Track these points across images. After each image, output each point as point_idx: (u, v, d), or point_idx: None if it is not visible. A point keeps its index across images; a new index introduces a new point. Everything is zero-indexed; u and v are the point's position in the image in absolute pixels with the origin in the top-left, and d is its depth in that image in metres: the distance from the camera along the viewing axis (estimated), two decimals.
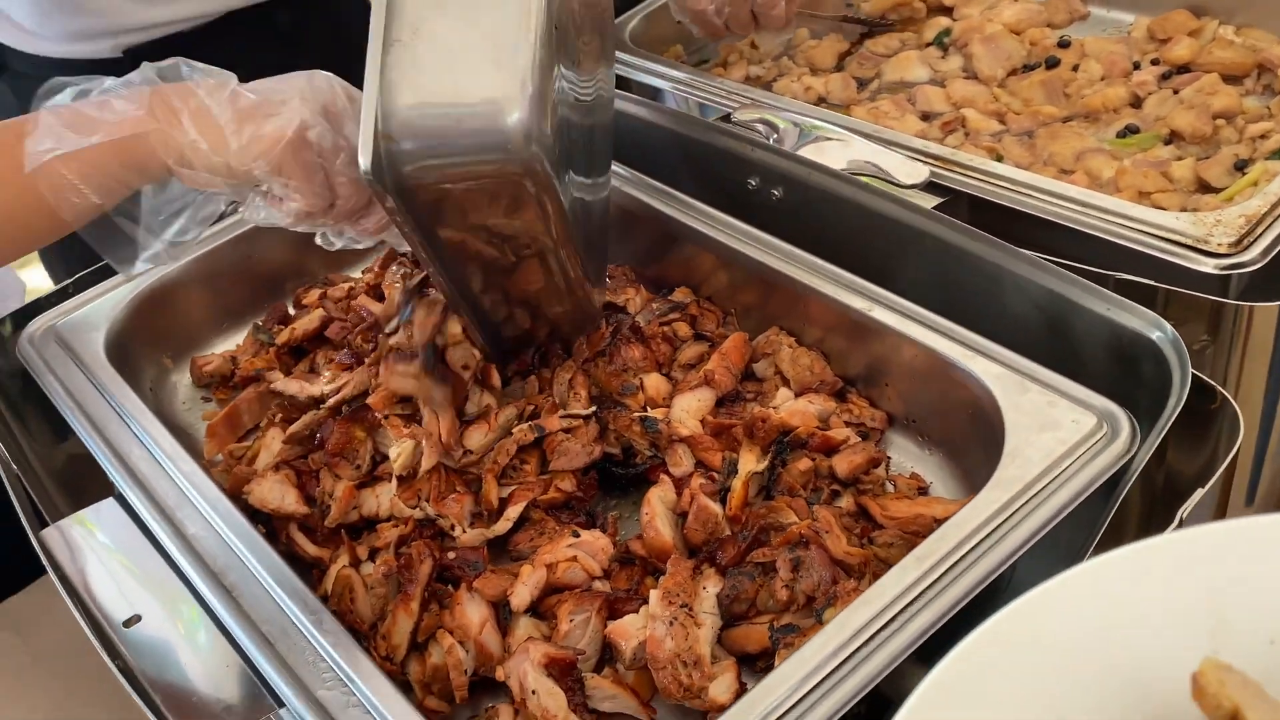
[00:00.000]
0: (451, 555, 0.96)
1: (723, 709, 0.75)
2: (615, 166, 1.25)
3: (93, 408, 1.08)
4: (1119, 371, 0.96)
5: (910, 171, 1.17)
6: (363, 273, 1.33)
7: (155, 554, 0.94)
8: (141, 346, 1.23)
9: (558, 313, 1.08)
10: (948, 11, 1.58)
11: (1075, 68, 1.40)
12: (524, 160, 0.83)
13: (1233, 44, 1.38)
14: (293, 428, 1.07)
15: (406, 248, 1.07)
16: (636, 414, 1.05)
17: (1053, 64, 1.41)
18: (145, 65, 0.93)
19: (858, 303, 1.05)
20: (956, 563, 0.79)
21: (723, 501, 0.96)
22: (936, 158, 1.20)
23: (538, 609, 0.93)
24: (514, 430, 1.04)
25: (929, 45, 1.52)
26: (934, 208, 1.12)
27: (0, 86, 1.50)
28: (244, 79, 0.93)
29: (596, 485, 1.05)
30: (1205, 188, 1.19)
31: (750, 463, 0.98)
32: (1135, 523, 0.91)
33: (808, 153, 1.22)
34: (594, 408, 1.06)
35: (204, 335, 1.30)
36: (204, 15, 1.42)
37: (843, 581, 0.86)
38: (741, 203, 1.21)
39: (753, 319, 1.17)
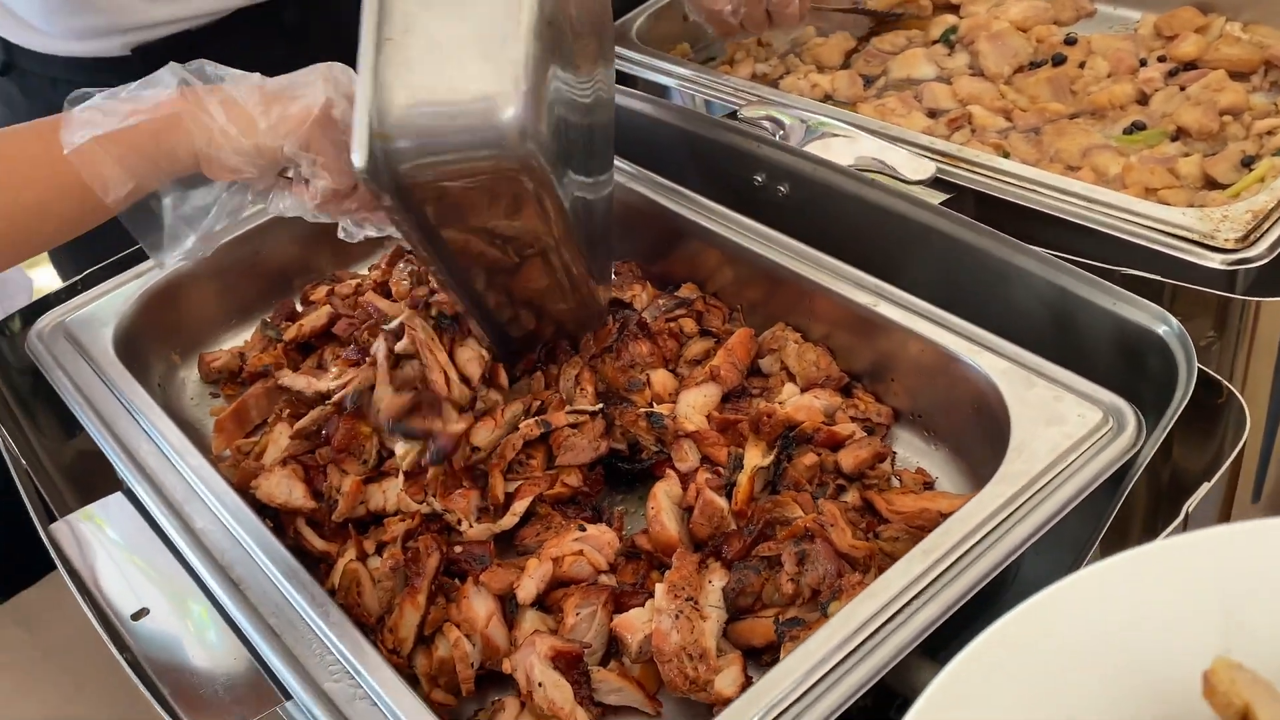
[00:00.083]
0: (458, 549, 0.96)
1: (728, 702, 0.75)
2: (622, 163, 1.25)
3: (101, 403, 1.08)
4: (1125, 366, 0.96)
5: (917, 168, 1.18)
6: (370, 269, 1.33)
7: (163, 548, 0.95)
8: (150, 342, 1.23)
9: (561, 310, 1.08)
10: (954, 9, 1.58)
11: (1082, 65, 1.41)
12: (520, 156, 0.82)
13: (1240, 40, 1.38)
14: (300, 423, 1.07)
15: None
16: (643, 410, 1.05)
17: (1059, 61, 1.41)
18: (172, 65, 0.95)
19: (863, 298, 1.05)
20: (962, 556, 0.79)
21: (728, 496, 0.96)
22: (943, 154, 1.20)
23: (544, 603, 0.93)
24: (520, 425, 1.04)
25: (935, 43, 1.52)
26: (940, 204, 1.13)
27: (9, 85, 1.51)
28: None
29: (603, 480, 1.05)
30: (1212, 184, 1.19)
31: (756, 458, 0.98)
32: (1141, 517, 0.91)
33: (814, 149, 1.22)
34: (600, 404, 1.06)
35: (212, 331, 1.30)
36: (212, 13, 1.43)
37: (848, 575, 0.86)
38: (748, 199, 1.21)
39: (759, 315, 1.17)
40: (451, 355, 1.05)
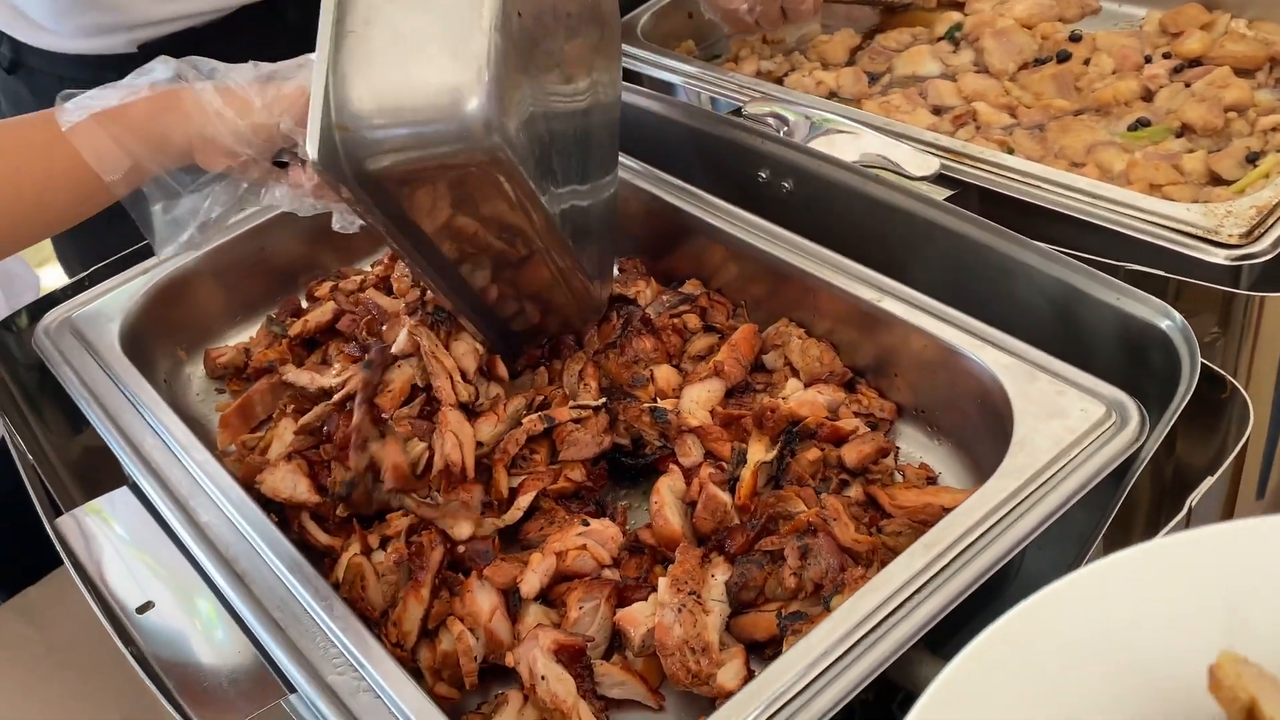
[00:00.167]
0: (462, 545, 0.96)
1: (730, 695, 0.75)
2: (627, 159, 1.25)
3: (107, 399, 1.09)
4: (1128, 361, 0.96)
5: (921, 164, 1.18)
6: (372, 266, 1.34)
7: (169, 542, 0.95)
8: (156, 338, 1.23)
9: (550, 303, 1.07)
10: (959, 6, 1.58)
11: (1086, 62, 1.40)
12: (486, 149, 0.81)
13: (1244, 37, 1.38)
14: (304, 418, 1.07)
15: None
16: (646, 405, 1.05)
17: (1064, 58, 1.41)
18: (163, 57, 0.95)
19: (867, 294, 1.05)
20: (964, 550, 0.79)
21: (731, 491, 0.97)
22: (947, 150, 1.20)
23: (547, 597, 0.93)
24: (524, 420, 1.04)
25: (940, 40, 1.52)
26: (945, 200, 1.12)
27: (16, 84, 1.52)
28: None
29: (606, 475, 1.05)
30: (1216, 180, 1.19)
31: (759, 453, 0.98)
32: (1144, 511, 0.91)
33: (819, 145, 1.22)
34: (604, 399, 1.06)
35: (218, 327, 1.31)
36: (217, 10, 1.43)
37: (850, 569, 0.86)
38: (752, 195, 1.21)
39: (763, 311, 1.17)
40: (446, 347, 1.06)
